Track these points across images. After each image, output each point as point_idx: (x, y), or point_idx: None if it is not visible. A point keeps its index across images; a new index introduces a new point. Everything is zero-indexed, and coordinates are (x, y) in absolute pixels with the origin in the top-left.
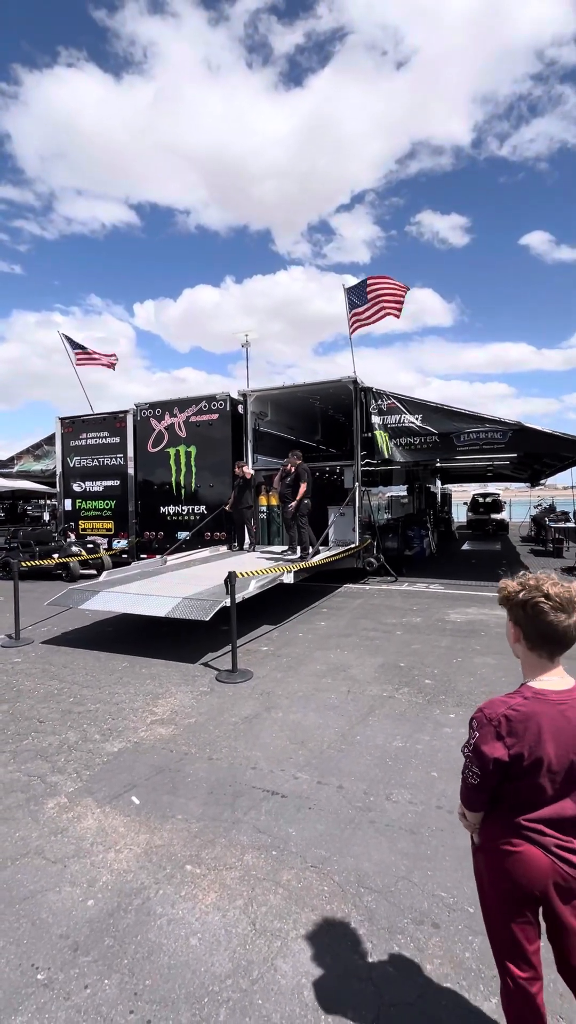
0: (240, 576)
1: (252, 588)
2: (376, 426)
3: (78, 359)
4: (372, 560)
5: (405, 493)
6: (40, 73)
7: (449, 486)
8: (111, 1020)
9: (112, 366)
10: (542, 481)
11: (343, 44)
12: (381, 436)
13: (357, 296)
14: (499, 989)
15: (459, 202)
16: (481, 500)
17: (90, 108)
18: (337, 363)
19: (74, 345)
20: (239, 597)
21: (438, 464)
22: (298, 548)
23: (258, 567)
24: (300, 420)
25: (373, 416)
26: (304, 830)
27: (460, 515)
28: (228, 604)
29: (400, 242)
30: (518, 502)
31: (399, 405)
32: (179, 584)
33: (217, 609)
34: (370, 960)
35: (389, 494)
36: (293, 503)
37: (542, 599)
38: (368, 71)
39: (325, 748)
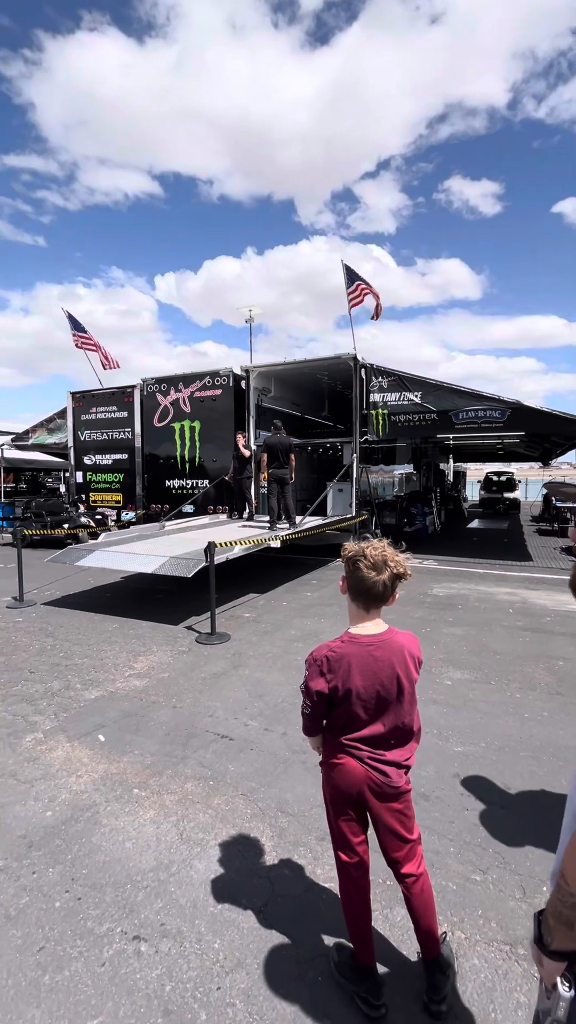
0: (222, 545)
1: (237, 551)
2: (376, 404)
3: (79, 341)
4: (368, 535)
5: (411, 470)
6: (63, 39)
7: (466, 465)
8: (49, 896)
9: (109, 364)
10: (553, 460)
11: None
12: (378, 414)
13: (355, 276)
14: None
15: (491, 167)
16: (495, 479)
17: (113, 74)
18: (359, 337)
19: (78, 327)
20: (223, 558)
21: (450, 442)
22: (280, 518)
23: (249, 534)
24: (305, 396)
25: (373, 393)
26: (242, 766)
27: (474, 493)
28: (215, 559)
29: (428, 210)
30: (536, 481)
31: (399, 382)
32: (171, 546)
33: (199, 568)
34: (271, 864)
35: (394, 471)
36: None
37: (361, 558)
38: (400, 26)
39: (279, 702)
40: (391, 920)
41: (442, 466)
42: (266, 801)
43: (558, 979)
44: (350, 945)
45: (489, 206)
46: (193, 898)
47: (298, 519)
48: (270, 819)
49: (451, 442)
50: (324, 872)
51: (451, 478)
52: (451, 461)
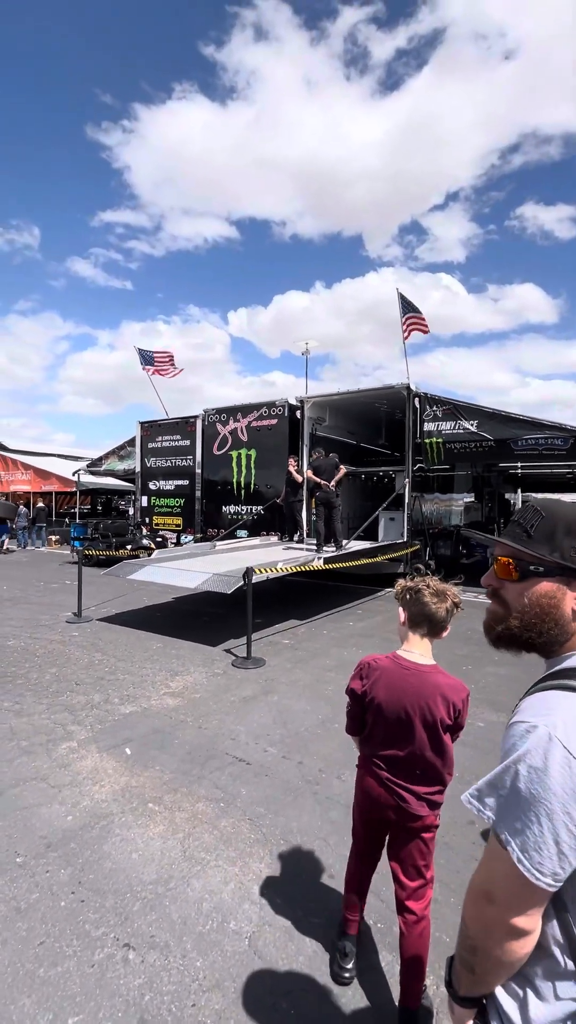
0: (259, 571)
1: (280, 567)
2: (431, 433)
3: (153, 370)
4: (420, 566)
5: (472, 499)
6: (156, 108)
7: (536, 495)
8: (56, 895)
9: (173, 373)
10: None
11: (443, 41)
12: (432, 443)
13: (409, 305)
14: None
15: (568, 192)
16: None
17: (198, 135)
18: (426, 363)
19: (146, 360)
20: (263, 577)
21: (518, 471)
22: (328, 541)
23: (294, 556)
24: (361, 424)
25: (427, 422)
26: (254, 791)
27: None
28: (255, 581)
29: (500, 236)
30: None
31: (454, 411)
32: (218, 564)
33: (238, 586)
34: (264, 892)
35: (453, 500)
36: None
37: (425, 587)
38: (471, 65)
39: (302, 731)
40: (375, 966)
41: (508, 496)
42: (271, 828)
43: None
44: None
45: (566, 230)
46: (185, 915)
47: (344, 542)
48: (272, 846)
49: (518, 471)
50: (315, 906)
51: (518, 508)
52: (519, 492)
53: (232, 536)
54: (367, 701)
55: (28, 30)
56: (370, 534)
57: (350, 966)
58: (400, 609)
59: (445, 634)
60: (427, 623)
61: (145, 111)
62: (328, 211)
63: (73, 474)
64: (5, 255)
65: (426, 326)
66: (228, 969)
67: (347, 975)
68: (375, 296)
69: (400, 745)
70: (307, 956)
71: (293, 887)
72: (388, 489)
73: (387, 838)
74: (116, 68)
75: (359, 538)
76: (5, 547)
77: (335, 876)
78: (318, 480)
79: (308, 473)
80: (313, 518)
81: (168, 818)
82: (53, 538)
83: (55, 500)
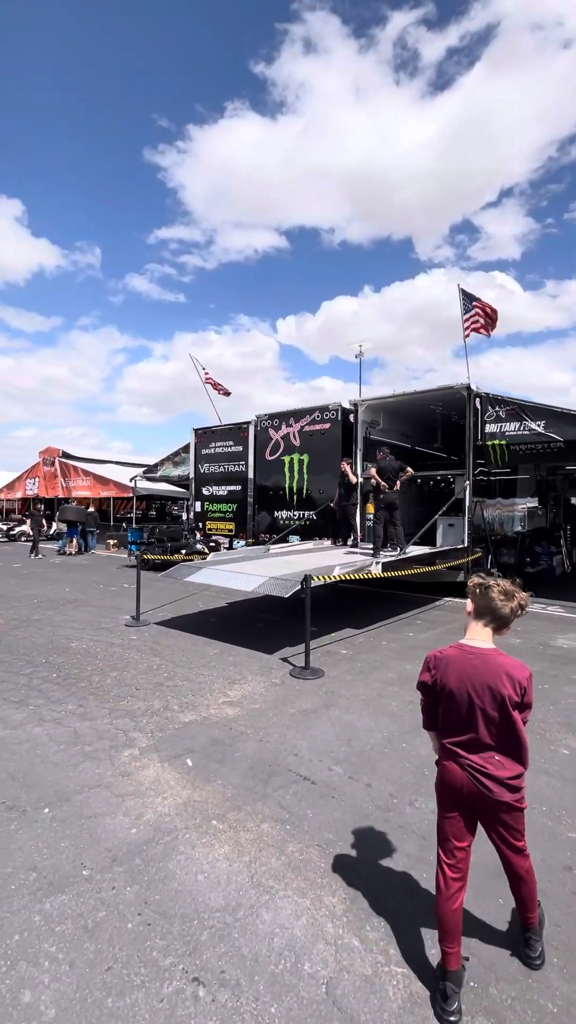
0: (318, 579)
1: (336, 572)
2: (493, 435)
3: (207, 377)
4: (482, 575)
5: (536, 504)
6: (210, 127)
7: None
8: (123, 915)
9: (224, 393)
10: None
11: (496, 36)
12: (496, 445)
13: (470, 301)
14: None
15: None
16: None
17: (248, 150)
18: (480, 364)
19: (202, 367)
20: (320, 581)
21: None
22: (386, 544)
23: (352, 560)
24: (416, 427)
25: (489, 424)
26: (321, 814)
27: None
28: (312, 585)
29: (559, 230)
30: None
31: (519, 411)
32: (273, 567)
33: (295, 590)
34: (339, 932)
35: (516, 505)
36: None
37: (495, 585)
38: (526, 57)
39: (368, 749)
40: None
41: (574, 500)
42: (342, 858)
43: None
44: None
45: None
46: (255, 951)
47: (406, 547)
48: (344, 878)
49: None
50: (396, 954)
51: None
52: None
53: (284, 540)
54: (438, 690)
55: (93, 67)
56: (426, 540)
57: (453, 1007)
58: (468, 600)
59: (507, 631)
60: (490, 615)
61: (198, 131)
62: (377, 215)
63: (130, 480)
64: (69, 275)
65: (486, 325)
66: (305, 1020)
67: (452, 1018)
68: (425, 298)
69: (474, 728)
70: (392, 1013)
71: (370, 929)
72: (444, 493)
73: (471, 841)
74: (172, 93)
75: (415, 544)
76: (70, 550)
77: (414, 919)
78: (379, 480)
79: (371, 471)
80: (369, 522)
81: (233, 838)
82: (111, 542)
83: (112, 505)
